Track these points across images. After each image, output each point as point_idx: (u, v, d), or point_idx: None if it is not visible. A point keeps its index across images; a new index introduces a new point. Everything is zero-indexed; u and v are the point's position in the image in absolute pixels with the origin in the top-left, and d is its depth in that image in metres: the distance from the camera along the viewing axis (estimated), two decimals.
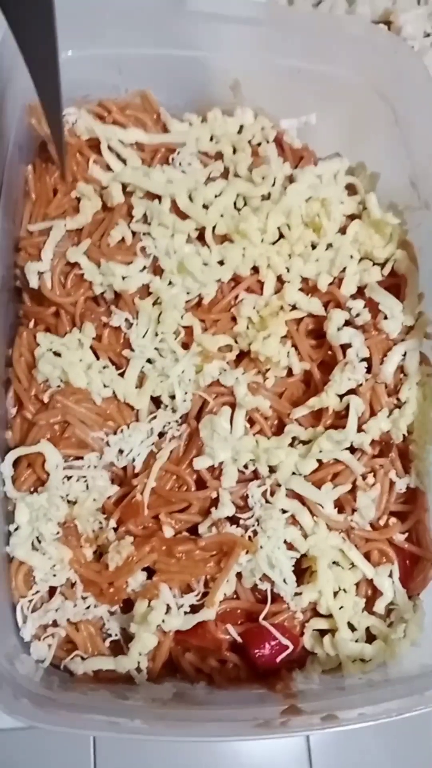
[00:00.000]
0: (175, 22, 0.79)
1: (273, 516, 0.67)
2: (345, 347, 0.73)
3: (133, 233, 0.74)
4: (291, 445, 0.71)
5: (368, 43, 0.81)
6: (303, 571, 0.68)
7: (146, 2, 0.79)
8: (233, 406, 0.70)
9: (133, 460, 0.69)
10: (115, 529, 0.68)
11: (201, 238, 0.75)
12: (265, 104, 0.85)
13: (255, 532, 0.67)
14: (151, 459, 0.69)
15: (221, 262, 0.74)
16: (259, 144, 0.83)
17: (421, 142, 0.78)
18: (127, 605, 0.67)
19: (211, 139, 0.82)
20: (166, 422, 0.71)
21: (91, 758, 0.77)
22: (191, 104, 0.85)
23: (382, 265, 0.78)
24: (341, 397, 0.71)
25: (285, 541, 0.67)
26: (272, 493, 0.68)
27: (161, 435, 0.71)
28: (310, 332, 0.76)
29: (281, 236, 0.77)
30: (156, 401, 0.72)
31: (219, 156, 0.81)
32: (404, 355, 0.74)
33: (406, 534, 0.71)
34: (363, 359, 0.72)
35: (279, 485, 0.68)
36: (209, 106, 0.84)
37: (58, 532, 0.67)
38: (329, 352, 0.74)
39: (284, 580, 0.66)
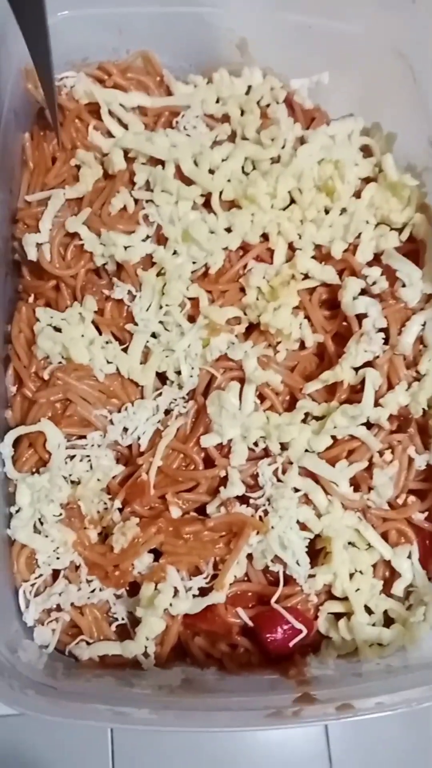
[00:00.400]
0: None
1: (285, 495, 0.63)
2: (361, 317, 0.69)
3: (136, 201, 0.71)
4: (304, 421, 0.67)
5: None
6: (317, 552, 0.65)
7: None
8: (242, 381, 0.67)
9: (138, 438, 0.66)
10: (120, 510, 0.65)
11: (207, 204, 0.72)
12: (275, 64, 0.81)
13: (266, 512, 0.63)
14: (157, 437, 0.66)
15: (229, 230, 0.71)
16: (268, 105, 0.79)
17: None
18: (134, 588, 0.65)
19: (218, 101, 0.78)
20: (172, 399, 0.68)
21: (109, 738, 0.75)
22: (196, 65, 0.81)
23: (400, 230, 0.74)
24: (357, 370, 0.68)
25: (298, 521, 0.64)
26: (284, 471, 0.65)
27: (167, 412, 0.68)
28: (324, 302, 0.73)
29: (292, 201, 0.73)
30: (161, 377, 0.69)
31: (226, 119, 0.77)
32: (424, 324, 0.69)
33: (426, 513, 0.68)
34: (380, 330, 0.69)
35: (291, 463, 0.65)
36: (215, 66, 0.81)
37: (60, 514, 0.64)
38: (344, 323, 0.70)
39: (297, 562, 0.63)
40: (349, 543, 0.65)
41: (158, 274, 0.69)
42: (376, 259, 0.73)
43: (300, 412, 0.67)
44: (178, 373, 0.68)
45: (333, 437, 0.66)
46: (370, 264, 0.72)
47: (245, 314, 0.70)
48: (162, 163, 0.71)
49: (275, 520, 0.63)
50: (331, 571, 0.63)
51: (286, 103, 0.79)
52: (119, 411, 0.67)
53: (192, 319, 0.69)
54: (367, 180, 0.77)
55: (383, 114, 0.81)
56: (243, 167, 0.74)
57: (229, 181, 0.72)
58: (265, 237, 0.72)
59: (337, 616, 0.65)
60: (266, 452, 0.66)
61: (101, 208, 0.70)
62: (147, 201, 0.70)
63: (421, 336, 0.69)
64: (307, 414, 0.68)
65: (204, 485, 0.65)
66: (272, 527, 0.62)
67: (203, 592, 0.63)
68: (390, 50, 0.78)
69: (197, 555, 0.63)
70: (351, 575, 0.64)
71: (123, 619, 0.64)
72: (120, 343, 0.69)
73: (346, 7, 0.78)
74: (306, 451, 0.65)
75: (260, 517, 0.63)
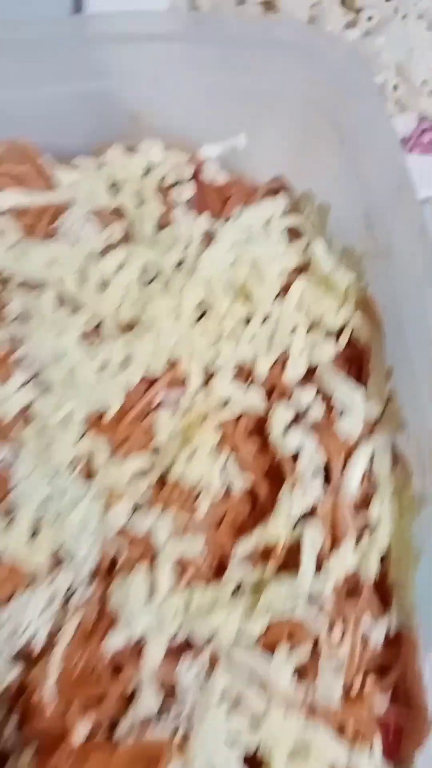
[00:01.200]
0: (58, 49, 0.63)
1: (210, 705, 0.51)
2: (294, 457, 0.56)
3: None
4: (235, 592, 0.55)
5: (300, 47, 0.63)
6: (256, 763, 0.53)
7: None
8: (152, 557, 0.55)
9: (33, 637, 0.54)
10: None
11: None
12: (181, 130, 0.68)
13: (187, 734, 0.51)
14: (56, 635, 0.54)
15: (126, 360, 0.58)
16: (173, 185, 0.66)
17: (375, 168, 0.61)
18: None
19: (113, 186, 0.66)
20: (71, 583, 0.55)
21: None
22: (86, 144, 0.68)
23: (338, 335, 0.61)
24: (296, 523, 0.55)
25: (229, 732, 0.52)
26: (212, 665, 0.53)
27: (69, 599, 0.55)
28: (252, 432, 0.60)
29: (202, 315, 0.61)
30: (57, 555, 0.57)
31: (119, 213, 0.64)
32: (372, 457, 0.57)
33: (389, 692, 0.55)
34: (319, 468, 0.56)
35: (218, 659, 0.53)
36: (110, 142, 0.68)
37: None
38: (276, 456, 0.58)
39: None
40: (295, 750, 0.53)
41: (41, 430, 0.57)
42: (311, 373, 0.60)
43: (228, 585, 0.55)
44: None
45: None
46: (303, 381, 0.60)
47: (155, 463, 0.58)
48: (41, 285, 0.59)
49: (199, 743, 0.51)
50: None
51: (195, 179, 0.66)
52: (8, 600, 0.55)
53: (92, 474, 0.57)
54: (297, 271, 0.64)
55: (313, 179, 0.67)
56: (140, 276, 0.61)
57: (124, 298, 0.60)
58: (173, 362, 0.60)
59: None
60: (187, 644, 0.54)
61: None
62: (22, 338, 0.58)
63: (368, 472, 0.57)
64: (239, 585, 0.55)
65: (113, 696, 0.53)
66: (197, 753, 0.50)
67: None
68: (313, 106, 0.65)
69: None
70: None
71: None
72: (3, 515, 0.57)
73: (258, 59, 0.65)
74: (236, 637, 0.53)
75: (182, 739, 0.51)
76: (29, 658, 0.54)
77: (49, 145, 0.65)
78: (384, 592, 0.56)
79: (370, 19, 0.84)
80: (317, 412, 0.57)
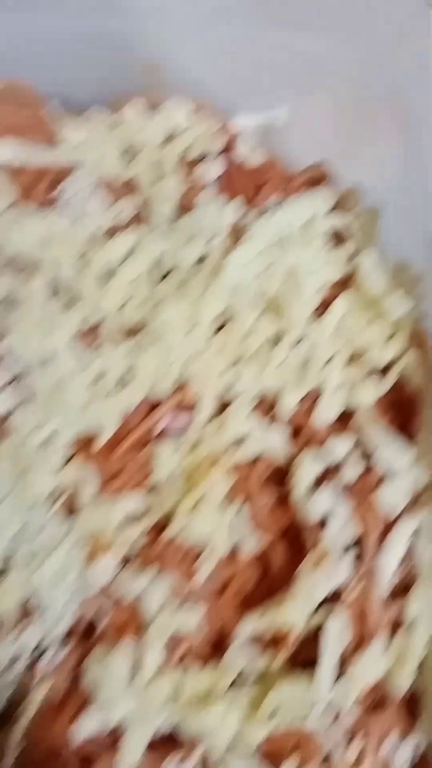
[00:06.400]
0: None
1: None
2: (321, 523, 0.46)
3: None
4: (235, 681, 0.45)
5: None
6: None
7: None
8: (140, 628, 0.44)
9: None
10: None
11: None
12: (213, 94, 0.56)
13: None
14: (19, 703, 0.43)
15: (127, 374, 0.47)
16: (199, 160, 0.54)
17: None
18: None
19: (126, 153, 0.53)
20: (41, 639, 0.44)
21: None
22: (100, 96, 0.55)
23: (383, 372, 0.51)
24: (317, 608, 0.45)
25: None
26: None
27: (36, 661, 0.44)
28: (269, 482, 0.49)
29: (221, 328, 0.49)
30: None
31: (131, 188, 0.52)
32: (414, 534, 0.47)
33: None
34: (350, 544, 0.46)
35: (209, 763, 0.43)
36: (128, 98, 0.55)
37: None
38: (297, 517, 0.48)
39: None
40: None
41: (18, 448, 0.45)
42: (347, 418, 0.50)
43: (228, 672, 0.44)
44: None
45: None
46: (337, 426, 0.49)
47: (151, 506, 0.47)
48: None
49: None
50: None
51: (225, 155, 0.55)
52: None
53: (73, 511, 0.46)
54: (339, 285, 0.53)
55: (365, 170, 0.56)
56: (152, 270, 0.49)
57: (130, 298, 0.48)
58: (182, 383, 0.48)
59: None
60: (174, 743, 0.43)
61: None
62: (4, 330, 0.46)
63: (408, 554, 0.47)
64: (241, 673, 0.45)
65: None
66: None
67: None
68: (377, 76, 0.53)
69: None
70: None
71: None
72: None
73: (309, 15, 0.53)
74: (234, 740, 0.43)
75: None
76: None
77: (55, 92, 0.52)
78: (416, 709, 0.47)
79: None
80: (353, 470, 0.47)
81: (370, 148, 0.55)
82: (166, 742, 0.44)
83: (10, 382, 0.46)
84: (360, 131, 0.56)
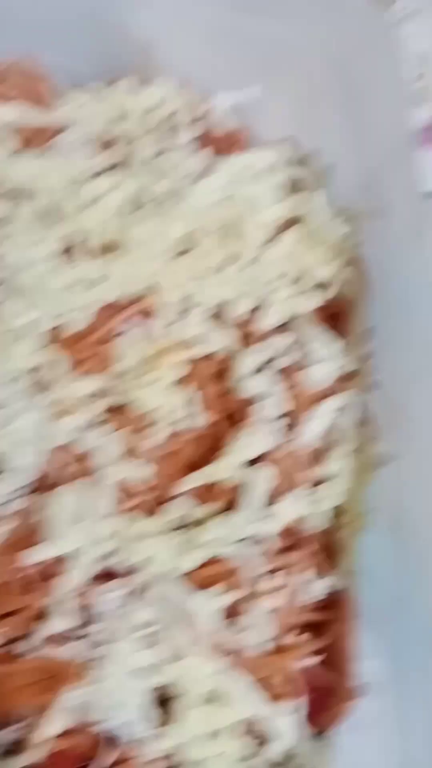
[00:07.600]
0: None
1: (123, 635, 0.49)
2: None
3: None
4: (177, 529, 0.53)
5: None
6: (166, 701, 0.50)
7: None
8: (93, 476, 0.53)
9: None
10: None
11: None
12: (196, 74, 0.67)
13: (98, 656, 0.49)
14: None
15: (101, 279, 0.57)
16: (178, 125, 0.65)
17: (379, 128, 0.60)
18: None
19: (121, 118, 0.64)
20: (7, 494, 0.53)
21: None
22: (99, 74, 0.67)
23: (324, 288, 0.59)
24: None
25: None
26: (140, 593, 0.50)
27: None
28: (218, 374, 0.58)
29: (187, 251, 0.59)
30: None
31: (116, 142, 0.62)
32: (338, 411, 0.55)
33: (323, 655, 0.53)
34: (283, 415, 0.54)
35: (144, 590, 0.50)
36: (124, 74, 0.67)
37: None
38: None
39: (134, 720, 0.48)
40: (211, 696, 0.50)
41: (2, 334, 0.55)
42: (287, 325, 0.58)
43: (166, 518, 0.53)
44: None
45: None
46: (280, 329, 0.58)
47: (113, 388, 0.56)
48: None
49: (105, 670, 0.48)
50: (182, 732, 0.49)
51: (200, 124, 0.65)
52: None
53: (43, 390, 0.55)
54: (292, 222, 0.62)
55: (322, 137, 0.66)
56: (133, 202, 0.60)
57: (107, 219, 0.58)
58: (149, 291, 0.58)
59: None
60: (111, 573, 0.51)
61: None
62: None
63: (332, 426, 0.55)
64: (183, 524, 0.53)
65: (30, 611, 0.51)
66: (100, 680, 0.48)
67: (17, 747, 0.49)
68: (329, 61, 0.63)
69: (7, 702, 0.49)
70: (210, 736, 0.49)
71: None
72: None
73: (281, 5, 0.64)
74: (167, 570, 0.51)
75: (86, 662, 0.49)
76: None
77: (59, 67, 0.65)
78: (330, 553, 0.54)
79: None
80: (288, 359, 0.55)
81: (325, 121, 0.65)
82: (109, 573, 0.52)
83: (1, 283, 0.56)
84: (317, 107, 0.66)
